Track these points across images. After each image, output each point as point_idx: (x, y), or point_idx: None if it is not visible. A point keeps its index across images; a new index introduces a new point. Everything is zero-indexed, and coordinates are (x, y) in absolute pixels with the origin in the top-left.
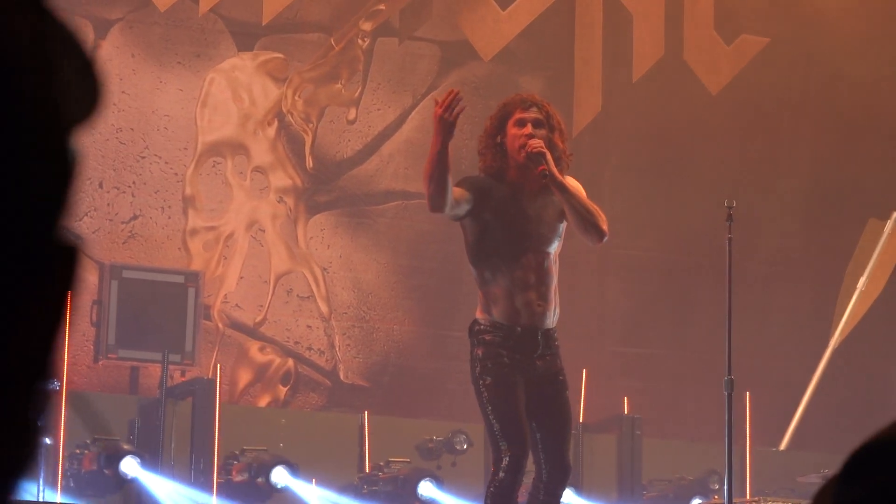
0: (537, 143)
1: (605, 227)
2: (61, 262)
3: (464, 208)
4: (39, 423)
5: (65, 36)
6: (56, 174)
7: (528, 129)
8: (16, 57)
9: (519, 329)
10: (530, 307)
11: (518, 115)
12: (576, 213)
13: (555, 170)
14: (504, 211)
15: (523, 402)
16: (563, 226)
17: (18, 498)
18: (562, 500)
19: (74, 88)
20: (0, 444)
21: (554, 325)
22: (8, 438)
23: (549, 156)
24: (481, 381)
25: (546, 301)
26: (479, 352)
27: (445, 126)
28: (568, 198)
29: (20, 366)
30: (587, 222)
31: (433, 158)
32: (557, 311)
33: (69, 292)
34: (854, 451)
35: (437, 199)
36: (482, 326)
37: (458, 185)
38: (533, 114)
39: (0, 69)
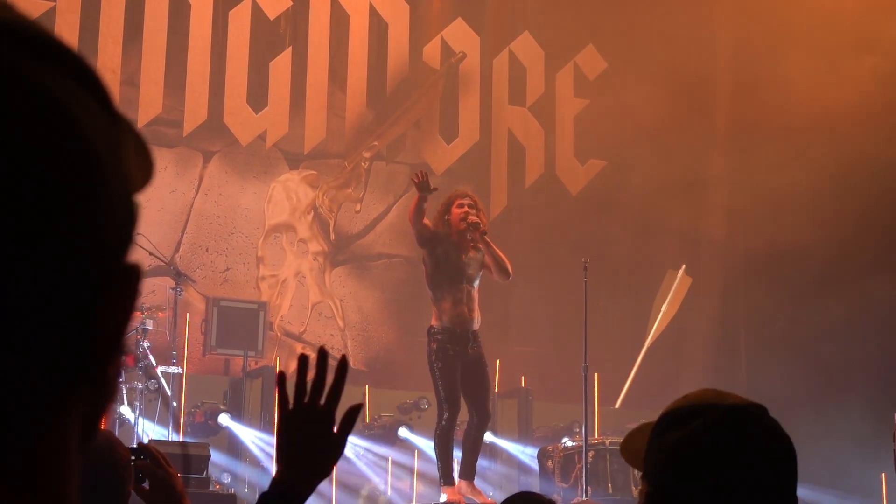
0: (474, 218)
1: (511, 270)
2: (130, 274)
3: (428, 236)
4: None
5: (126, 124)
6: (128, 218)
7: (466, 208)
8: (102, 144)
9: (458, 330)
10: (464, 317)
11: (458, 202)
12: (495, 262)
13: (486, 235)
14: (448, 257)
15: (459, 378)
16: (481, 271)
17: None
18: (485, 435)
19: (136, 161)
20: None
21: (477, 328)
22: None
23: (481, 225)
24: (435, 365)
25: (473, 313)
26: (434, 346)
27: (422, 189)
28: (492, 251)
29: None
30: (501, 267)
31: (416, 204)
32: (479, 320)
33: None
34: (661, 416)
35: (417, 223)
36: (435, 329)
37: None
38: (467, 201)
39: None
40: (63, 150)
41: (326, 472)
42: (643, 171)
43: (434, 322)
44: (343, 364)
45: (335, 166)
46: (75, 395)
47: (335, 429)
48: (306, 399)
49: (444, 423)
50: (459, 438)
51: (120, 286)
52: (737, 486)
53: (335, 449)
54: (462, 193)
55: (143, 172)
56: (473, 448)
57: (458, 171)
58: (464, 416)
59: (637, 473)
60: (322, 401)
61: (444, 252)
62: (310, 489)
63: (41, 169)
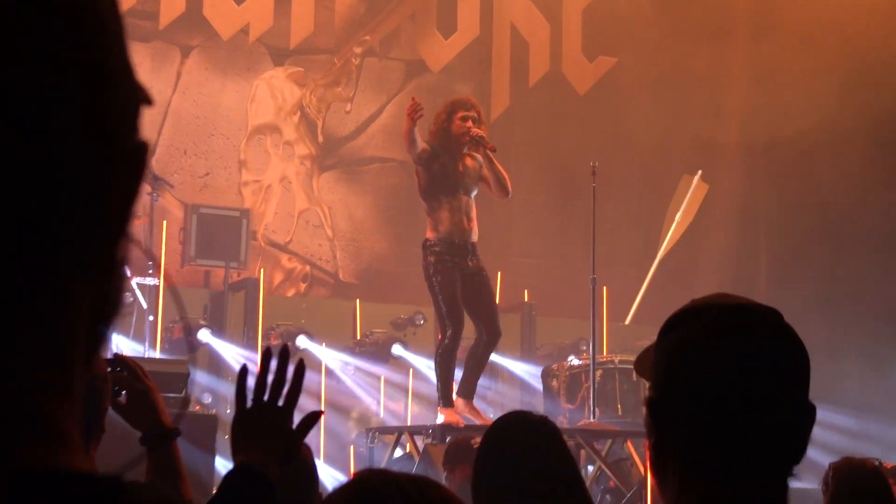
0: (478, 131)
1: (510, 188)
2: (137, 151)
3: (425, 155)
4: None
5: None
6: (134, 94)
7: (470, 123)
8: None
9: (457, 241)
10: (462, 227)
11: (462, 113)
12: (495, 177)
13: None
14: (445, 168)
15: (461, 292)
16: (479, 184)
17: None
18: (492, 353)
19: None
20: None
21: (476, 241)
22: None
23: (487, 141)
24: (434, 279)
25: (472, 223)
26: (431, 259)
27: (412, 121)
28: (494, 167)
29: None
30: (501, 184)
31: (408, 132)
32: (477, 232)
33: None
34: (668, 319)
35: (411, 147)
36: (431, 241)
37: (425, 142)
38: (472, 114)
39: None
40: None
41: (286, 461)
42: (656, 70)
43: (430, 234)
44: (300, 368)
45: (324, 63)
46: (81, 278)
47: (293, 426)
48: (265, 397)
49: (447, 341)
50: (461, 357)
51: (127, 162)
52: (740, 391)
53: (290, 443)
54: (466, 103)
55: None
56: (477, 366)
57: (456, 68)
58: (468, 331)
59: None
60: (280, 401)
61: (441, 165)
62: (273, 472)
63: (52, 24)
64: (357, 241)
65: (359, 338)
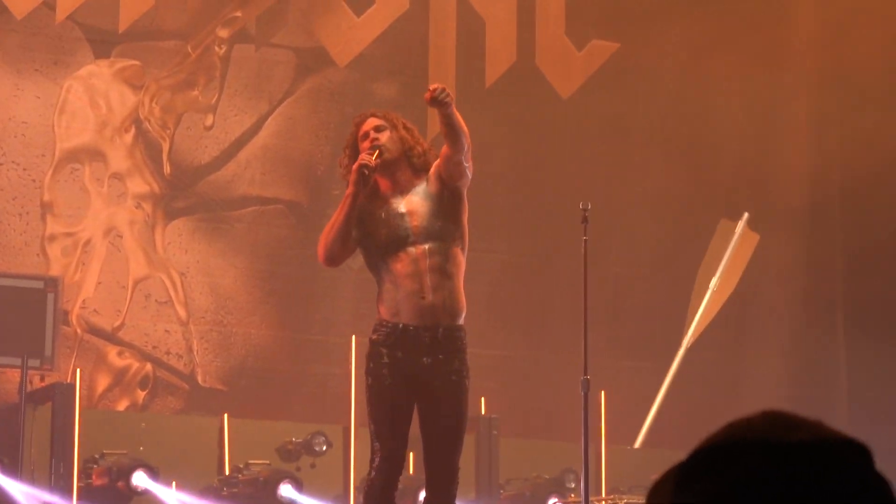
0: (363, 157)
1: (466, 141)
2: None
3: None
4: None
5: None
6: None
7: (370, 137)
8: None
9: (403, 325)
10: (414, 300)
11: (361, 133)
12: (449, 127)
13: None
14: (374, 219)
15: (404, 403)
16: (440, 221)
17: None
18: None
19: None
20: None
21: (450, 322)
22: None
23: (380, 141)
24: (366, 381)
25: (433, 294)
26: (368, 350)
27: (363, 178)
28: (448, 114)
29: None
30: (454, 136)
31: (345, 206)
32: (454, 307)
33: None
34: (690, 455)
35: (335, 252)
36: (375, 324)
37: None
38: (370, 123)
39: None
40: None
41: None
42: (676, 60)
43: (377, 314)
44: None
45: (170, 52)
46: None
47: None
48: None
49: (373, 473)
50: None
51: None
52: None
53: None
54: (358, 117)
55: None
56: None
57: (373, 61)
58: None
59: None
60: None
61: (366, 214)
62: None
63: None
64: (224, 325)
65: (227, 474)
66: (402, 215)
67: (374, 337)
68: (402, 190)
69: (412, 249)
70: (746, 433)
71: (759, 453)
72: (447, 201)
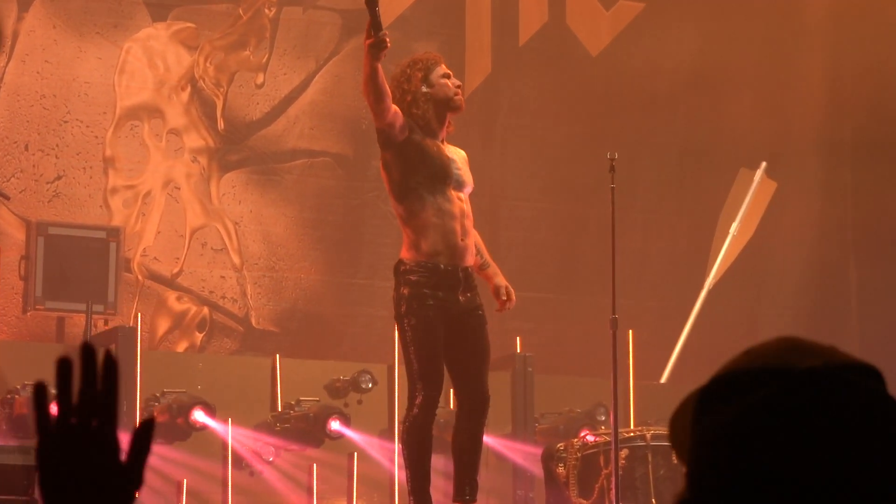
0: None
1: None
2: None
3: (398, 123)
4: None
5: None
6: None
7: (455, 86)
8: None
9: (444, 265)
10: (453, 241)
11: (444, 70)
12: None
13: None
14: (426, 150)
15: (443, 341)
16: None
17: None
18: (484, 428)
19: None
20: None
21: (473, 262)
22: None
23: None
24: (405, 321)
25: (467, 237)
26: (405, 291)
27: (377, 51)
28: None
29: None
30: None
31: (369, 76)
32: (474, 250)
33: None
34: (710, 381)
35: (377, 102)
36: (407, 265)
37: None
38: (447, 68)
39: None
40: None
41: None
42: (700, 20)
43: (405, 253)
44: (110, 365)
45: (223, 15)
46: None
47: (123, 455)
48: (73, 418)
49: (416, 410)
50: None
51: None
52: (820, 499)
53: (127, 484)
54: (440, 58)
55: None
56: (471, 450)
57: (414, 21)
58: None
59: None
60: (94, 419)
61: (418, 147)
62: None
63: None
64: (276, 270)
65: (280, 410)
66: (451, 161)
67: (414, 278)
68: (444, 140)
69: (455, 193)
70: (763, 359)
71: (775, 378)
72: None
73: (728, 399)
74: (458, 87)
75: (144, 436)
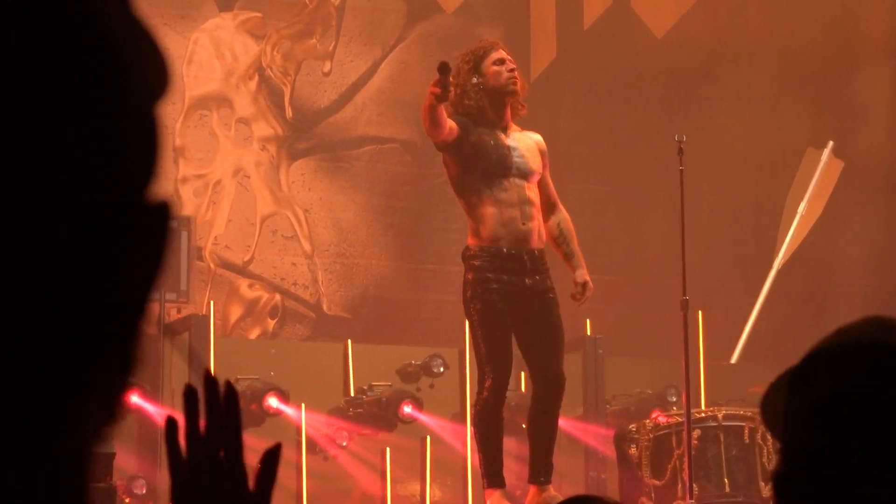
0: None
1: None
2: (158, 217)
3: (454, 136)
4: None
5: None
6: (151, 140)
7: (510, 72)
8: (118, 42)
9: (507, 250)
10: (515, 226)
11: (494, 56)
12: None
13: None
14: (483, 143)
15: (510, 325)
16: (540, 160)
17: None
18: (559, 410)
19: (151, 67)
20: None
21: (540, 245)
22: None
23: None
24: (471, 306)
25: (531, 221)
26: (470, 276)
27: (439, 102)
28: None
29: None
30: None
31: (428, 108)
32: (543, 233)
33: (165, 244)
34: (803, 360)
35: (434, 129)
36: (472, 251)
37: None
38: (505, 53)
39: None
40: (82, 44)
41: None
42: (763, 1)
43: (470, 240)
44: (231, 398)
45: (289, 4)
46: (98, 369)
47: (251, 482)
48: (203, 449)
49: (486, 394)
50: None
51: (147, 227)
52: None
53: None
54: (493, 43)
55: (158, 80)
56: (546, 433)
57: (478, 7)
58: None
59: (769, 459)
60: (222, 450)
61: (474, 142)
62: None
63: (56, 67)
64: (347, 256)
65: (352, 395)
66: (512, 150)
67: (478, 263)
68: (507, 126)
69: (515, 181)
70: (854, 337)
71: (867, 354)
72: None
73: (821, 376)
74: (512, 70)
75: (271, 463)
